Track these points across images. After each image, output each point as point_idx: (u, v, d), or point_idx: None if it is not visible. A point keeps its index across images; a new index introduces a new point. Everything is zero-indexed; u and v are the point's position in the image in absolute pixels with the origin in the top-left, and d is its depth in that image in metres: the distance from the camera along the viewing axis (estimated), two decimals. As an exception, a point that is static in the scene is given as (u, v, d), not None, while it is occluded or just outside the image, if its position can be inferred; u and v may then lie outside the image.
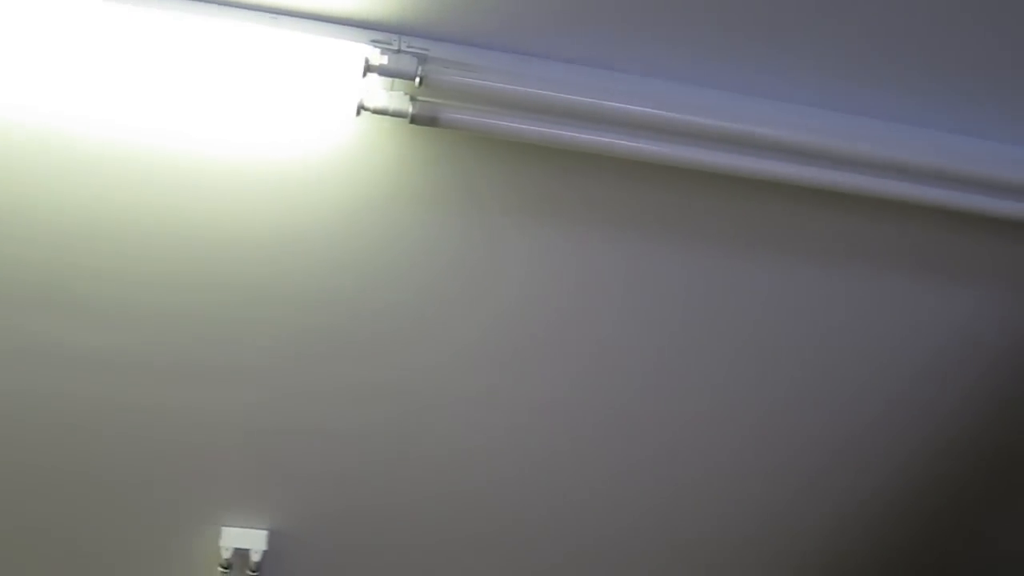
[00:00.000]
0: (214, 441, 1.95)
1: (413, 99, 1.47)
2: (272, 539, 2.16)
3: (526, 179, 1.66)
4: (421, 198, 1.66)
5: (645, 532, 2.30)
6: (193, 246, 1.67)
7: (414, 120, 1.47)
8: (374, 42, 1.41)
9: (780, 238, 1.80)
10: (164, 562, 2.17)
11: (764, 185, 1.72)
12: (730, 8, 1.46)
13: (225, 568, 2.14)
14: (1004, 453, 2.26)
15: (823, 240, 1.82)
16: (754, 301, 1.89)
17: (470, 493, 2.15)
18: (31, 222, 1.60)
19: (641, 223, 1.75)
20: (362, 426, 1.98)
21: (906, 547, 2.45)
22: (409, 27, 1.44)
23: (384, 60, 1.40)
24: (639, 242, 1.77)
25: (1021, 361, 2.07)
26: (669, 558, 2.37)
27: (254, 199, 1.62)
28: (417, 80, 1.41)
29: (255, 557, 2.14)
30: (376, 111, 1.46)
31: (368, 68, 1.40)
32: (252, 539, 2.13)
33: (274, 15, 1.39)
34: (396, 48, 1.41)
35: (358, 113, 1.46)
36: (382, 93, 1.47)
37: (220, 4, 1.37)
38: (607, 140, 1.53)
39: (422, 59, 1.42)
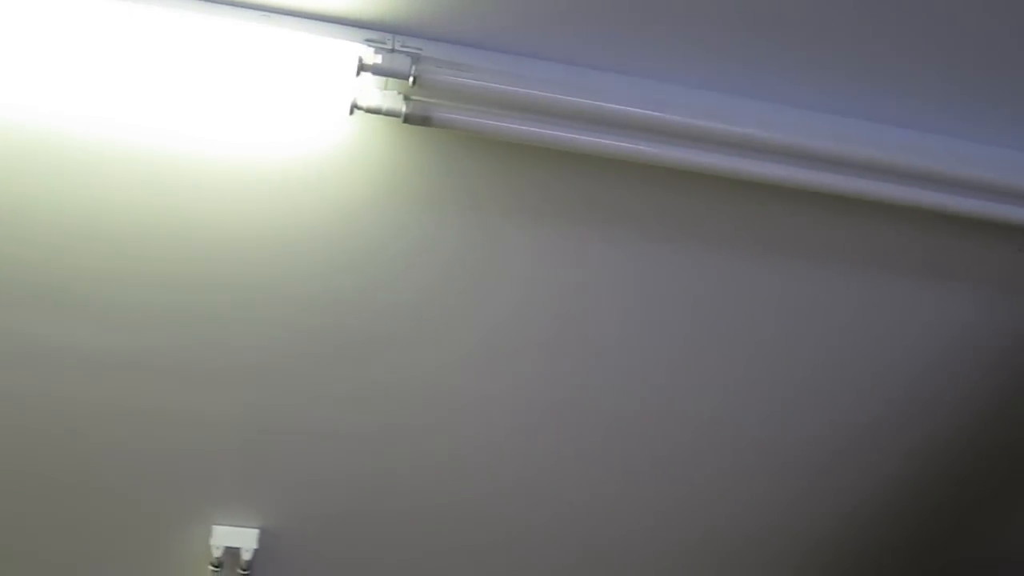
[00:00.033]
0: (206, 439, 1.96)
1: (407, 98, 1.47)
2: (263, 538, 2.17)
3: (524, 179, 1.67)
4: (417, 198, 1.66)
5: (649, 533, 2.32)
6: (185, 246, 1.67)
7: (407, 120, 1.47)
8: (368, 41, 1.41)
9: (780, 240, 1.81)
10: (155, 560, 2.18)
11: (764, 187, 1.73)
12: (729, 9, 1.47)
13: (216, 567, 2.15)
14: (1004, 453, 2.28)
15: (824, 242, 1.83)
16: (754, 303, 1.90)
17: (464, 495, 2.16)
18: (22, 222, 1.61)
19: (640, 224, 1.75)
20: (356, 426, 1.98)
21: (906, 546, 2.47)
22: (403, 26, 1.45)
23: (378, 59, 1.41)
24: (639, 243, 1.78)
25: (1020, 362, 2.09)
26: (675, 559, 2.39)
27: (247, 198, 1.63)
28: (411, 79, 1.42)
29: (246, 556, 2.14)
30: (369, 110, 1.47)
31: (362, 67, 1.41)
32: (243, 538, 2.14)
33: (267, 13, 1.40)
34: (390, 47, 1.42)
35: (351, 112, 1.47)
36: (376, 92, 1.48)
37: (213, 2, 1.38)
38: (601, 141, 1.54)
39: (416, 58, 1.43)
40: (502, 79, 1.46)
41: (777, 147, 1.57)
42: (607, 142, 1.54)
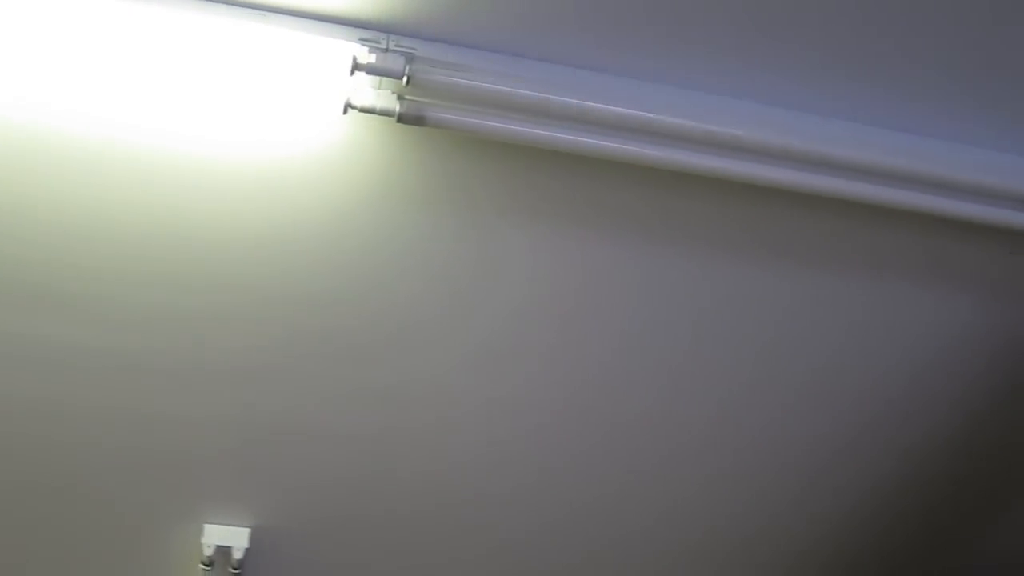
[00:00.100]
0: (198, 438, 1.97)
1: (400, 98, 1.49)
2: (255, 537, 2.17)
3: (520, 179, 1.68)
4: (412, 198, 1.67)
5: (649, 533, 2.33)
6: (179, 246, 1.68)
7: (401, 119, 1.49)
8: (362, 40, 1.43)
9: (781, 243, 1.83)
10: (145, 559, 2.18)
11: (764, 190, 1.74)
12: (729, 10, 1.48)
13: (207, 565, 2.16)
14: (1000, 452, 2.30)
15: (824, 245, 1.85)
16: (755, 304, 1.92)
17: (460, 496, 2.17)
18: (20, 221, 1.63)
19: (639, 225, 1.77)
20: (350, 426, 1.99)
21: (904, 544, 2.49)
22: (397, 26, 1.46)
23: (372, 59, 1.42)
24: (638, 243, 1.79)
25: (1016, 362, 2.11)
26: (675, 559, 2.41)
27: (240, 197, 1.64)
28: (404, 79, 1.44)
29: (237, 555, 2.15)
30: (363, 110, 1.49)
31: (356, 66, 1.42)
32: (234, 537, 2.14)
33: (261, 12, 1.41)
34: (384, 47, 1.44)
35: (345, 111, 1.48)
36: (370, 92, 1.49)
37: (205, 0, 1.39)
38: (595, 142, 1.56)
39: (410, 58, 1.44)
40: (496, 79, 1.48)
41: (769, 149, 1.60)
42: (601, 143, 1.56)
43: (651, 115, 1.53)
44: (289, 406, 1.94)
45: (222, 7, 1.39)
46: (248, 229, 1.68)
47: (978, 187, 1.68)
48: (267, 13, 1.41)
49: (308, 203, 1.66)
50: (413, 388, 1.94)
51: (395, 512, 2.17)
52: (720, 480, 2.24)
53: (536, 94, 1.49)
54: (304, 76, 1.48)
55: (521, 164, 1.66)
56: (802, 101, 1.62)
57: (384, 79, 1.48)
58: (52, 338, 1.77)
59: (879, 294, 1.94)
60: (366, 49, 1.43)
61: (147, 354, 1.82)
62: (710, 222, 1.78)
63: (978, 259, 1.91)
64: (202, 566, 2.16)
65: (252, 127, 1.56)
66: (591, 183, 1.70)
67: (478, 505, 2.19)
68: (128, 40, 1.44)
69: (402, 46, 1.45)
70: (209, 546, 2.13)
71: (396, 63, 1.43)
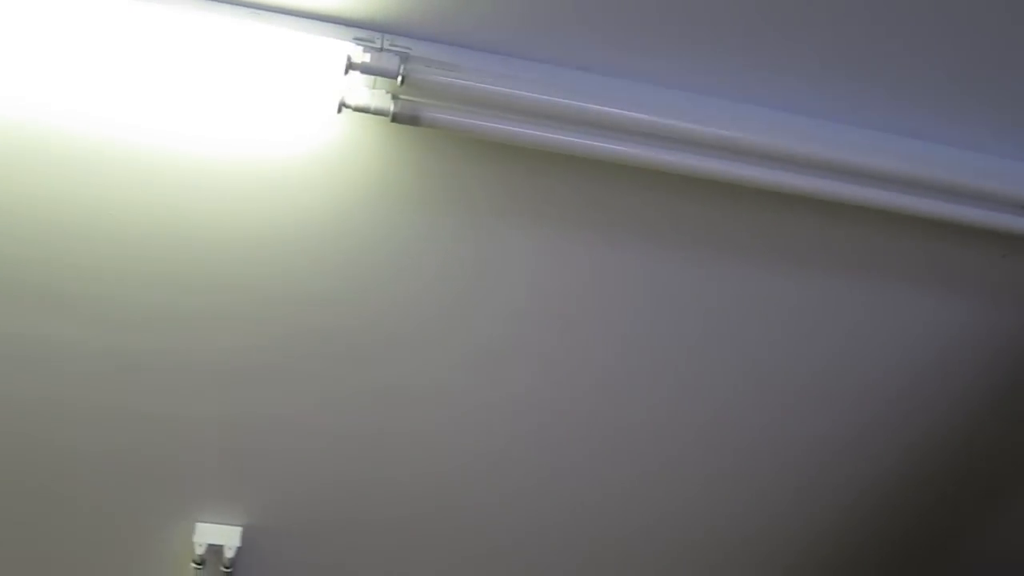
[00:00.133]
0: (192, 436, 1.97)
1: (395, 98, 1.49)
2: (247, 536, 2.19)
3: (518, 180, 1.68)
4: (408, 198, 1.68)
5: (649, 533, 2.34)
6: (175, 245, 1.69)
7: (395, 119, 1.49)
8: (357, 40, 1.43)
9: (784, 246, 1.84)
10: (137, 557, 2.19)
11: (764, 193, 1.75)
12: (728, 12, 1.49)
13: (198, 564, 2.17)
14: (999, 451, 2.32)
15: (826, 248, 1.86)
16: (757, 307, 1.93)
17: (458, 497, 2.18)
18: (19, 221, 1.63)
19: (640, 227, 1.77)
20: (345, 427, 2.00)
21: (903, 543, 2.51)
22: (392, 25, 1.47)
23: (366, 58, 1.42)
24: (638, 246, 1.80)
25: (1013, 362, 2.13)
26: (675, 559, 2.42)
27: (236, 196, 1.64)
28: (399, 79, 1.44)
29: (229, 553, 2.16)
30: (357, 109, 1.49)
31: (350, 66, 1.42)
32: (226, 535, 2.15)
33: (255, 10, 1.41)
34: (379, 46, 1.44)
35: (339, 111, 1.48)
36: (364, 91, 1.50)
37: (200, -2, 1.40)
38: (589, 143, 1.56)
39: (404, 58, 1.44)
40: (491, 79, 1.48)
41: (766, 152, 1.60)
42: (599, 145, 1.56)
43: (651, 117, 1.53)
44: (285, 405, 1.95)
45: (216, 5, 1.39)
46: (244, 229, 1.68)
47: (977, 191, 1.68)
48: (262, 12, 1.42)
49: (304, 203, 1.66)
50: (412, 389, 1.95)
51: (391, 513, 2.19)
52: (720, 480, 2.25)
53: (530, 94, 1.49)
54: (299, 75, 1.48)
55: (521, 165, 1.66)
56: (803, 104, 1.62)
57: (379, 79, 1.49)
58: (52, 338, 1.78)
59: (880, 296, 1.95)
60: (361, 48, 1.43)
61: (145, 354, 1.82)
62: (710, 225, 1.79)
63: (977, 262, 1.92)
64: (194, 564, 2.17)
65: (247, 126, 1.56)
66: (592, 185, 1.71)
67: (477, 507, 2.20)
68: (125, 39, 1.44)
69: (397, 46, 1.45)
70: (201, 544, 2.14)
71: (391, 63, 1.43)
